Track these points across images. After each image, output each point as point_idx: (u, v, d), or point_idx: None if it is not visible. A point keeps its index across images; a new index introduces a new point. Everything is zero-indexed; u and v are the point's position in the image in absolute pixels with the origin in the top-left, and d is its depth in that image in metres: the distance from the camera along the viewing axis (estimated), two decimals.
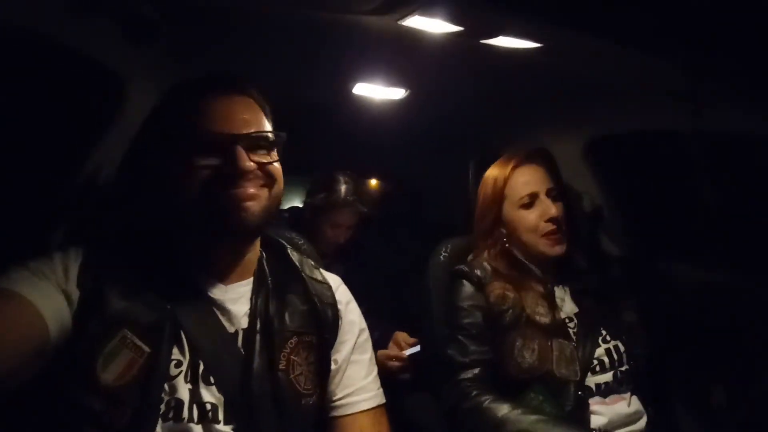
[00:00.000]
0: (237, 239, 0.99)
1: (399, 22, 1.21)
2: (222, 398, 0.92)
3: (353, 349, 1.08)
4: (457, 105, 2.05)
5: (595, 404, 1.35)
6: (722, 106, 1.48)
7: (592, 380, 1.37)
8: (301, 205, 2.47)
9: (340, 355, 1.06)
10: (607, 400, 1.37)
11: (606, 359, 1.40)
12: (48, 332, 0.82)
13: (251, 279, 1.03)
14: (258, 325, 0.98)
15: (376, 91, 1.87)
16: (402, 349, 1.82)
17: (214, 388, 0.92)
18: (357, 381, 1.06)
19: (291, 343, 1.00)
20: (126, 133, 1.51)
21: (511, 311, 1.41)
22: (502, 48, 1.34)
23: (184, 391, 0.90)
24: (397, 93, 1.89)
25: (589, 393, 1.36)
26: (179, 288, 0.95)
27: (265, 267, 1.07)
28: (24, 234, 1.27)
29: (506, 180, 1.52)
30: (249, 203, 0.92)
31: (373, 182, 3.45)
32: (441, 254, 1.71)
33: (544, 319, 1.41)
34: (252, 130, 0.95)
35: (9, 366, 0.77)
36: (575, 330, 1.43)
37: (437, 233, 1.89)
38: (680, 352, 1.61)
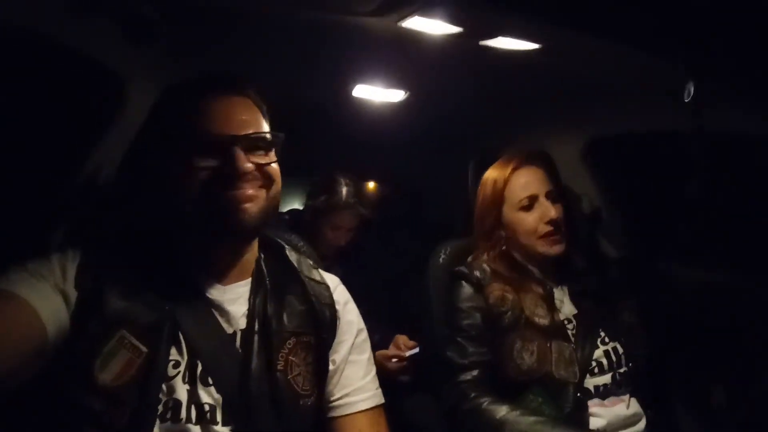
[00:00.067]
0: (235, 240, 0.99)
1: (399, 24, 1.21)
2: (220, 399, 0.91)
3: (351, 349, 1.08)
4: (457, 106, 2.05)
5: (594, 406, 1.35)
6: (722, 106, 1.48)
7: (590, 382, 1.37)
8: (301, 208, 2.47)
9: (338, 355, 1.06)
10: (606, 402, 1.37)
11: (605, 361, 1.40)
12: (46, 333, 0.82)
13: (249, 279, 1.03)
14: (256, 326, 0.98)
15: (376, 93, 1.87)
16: (402, 352, 1.83)
17: (212, 388, 0.92)
18: (355, 381, 1.06)
19: (289, 343, 1.00)
20: (126, 133, 1.51)
21: (510, 313, 1.41)
22: (502, 49, 1.34)
23: (182, 391, 0.90)
24: (397, 95, 1.89)
25: (588, 395, 1.36)
26: (177, 288, 0.95)
27: (263, 267, 1.06)
28: (23, 234, 1.27)
29: (505, 182, 1.52)
30: (247, 204, 0.92)
31: (373, 184, 3.45)
32: (440, 256, 1.71)
33: (543, 321, 1.41)
34: (250, 131, 0.94)
35: (7, 367, 0.77)
36: (574, 331, 1.42)
37: (437, 234, 1.89)
38: (680, 353, 1.61)
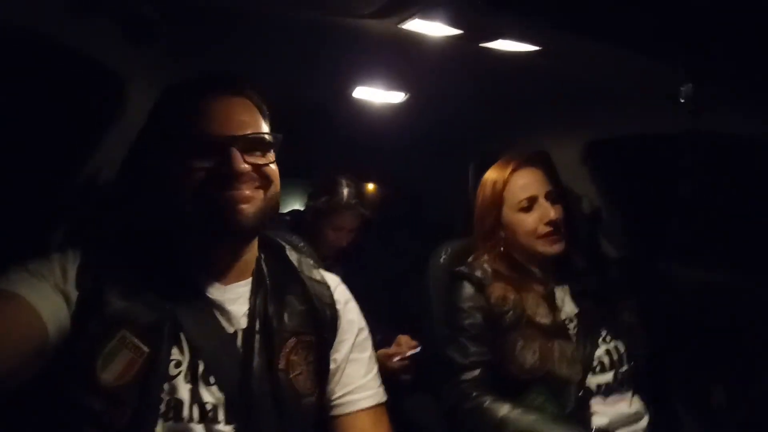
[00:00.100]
0: (234, 240, 0.99)
1: (399, 26, 1.21)
2: (222, 398, 0.91)
3: (352, 347, 1.08)
4: (457, 108, 2.05)
5: (596, 404, 1.35)
6: (722, 109, 1.48)
7: (592, 381, 1.38)
8: (302, 209, 2.46)
9: (339, 354, 1.06)
10: (607, 400, 1.37)
11: (606, 359, 1.40)
12: (46, 333, 0.82)
13: (250, 279, 1.03)
14: (257, 326, 0.98)
15: (376, 95, 1.87)
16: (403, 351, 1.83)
17: (214, 388, 0.92)
18: (356, 379, 1.06)
19: (290, 343, 1.00)
20: (126, 134, 1.51)
21: (511, 312, 1.42)
22: (502, 51, 1.34)
23: (184, 391, 0.90)
24: (397, 96, 1.89)
25: (590, 393, 1.36)
26: (178, 288, 0.95)
27: (264, 267, 1.06)
28: (24, 234, 1.27)
29: (505, 183, 1.52)
30: (244, 206, 0.92)
31: (373, 186, 3.45)
32: (441, 256, 1.71)
33: (545, 320, 1.41)
34: (247, 132, 0.94)
35: (8, 367, 0.77)
36: (575, 330, 1.43)
37: (437, 235, 1.89)
38: (680, 353, 1.61)
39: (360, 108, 1.97)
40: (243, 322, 0.98)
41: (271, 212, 0.99)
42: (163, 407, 0.88)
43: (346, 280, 1.17)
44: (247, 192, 0.93)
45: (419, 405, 1.77)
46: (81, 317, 0.86)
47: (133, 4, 1.16)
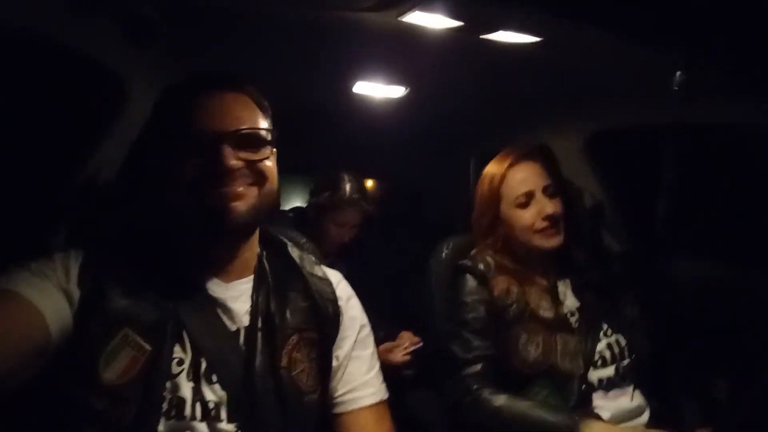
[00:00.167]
0: (230, 238, 0.98)
1: (399, 18, 1.21)
2: (225, 396, 0.91)
3: (354, 344, 1.07)
4: (457, 102, 2.05)
5: (598, 398, 1.35)
6: (723, 102, 1.48)
7: (594, 374, 1.38)
8: (303, 205, 2.47)
9: (341, 351, 1.06)
10: (609, 394, 1.37)
11: (608, 353, 1.40)
12: (49, 332, 0.82)
13: (252, 276, 1.03)
14: (259, 323, 0.98)
15: (376, 90, 1.87)
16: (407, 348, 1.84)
17: (216, 386, 0.92)
18: (359, 377, 1.06)
19: (292, 340, 1.00)
20: (126, 133, 1.51)
21: (515, 306, 1.41)
22: (502, 44, 1.34)
23: (186, 389, 0.90)
24: (397, 91, 1.89)
25: (592, 387, 1.36)
26: (180, 287, 0.95)
27: (266, 264, 1.06)
28: (25, 234, 1.27)
29: (502, 179, 1.51)
30: (235, 203, 0.91)
31: (372, 182, 3.45)
32: (443, 252, 1.71)
33: (548, 314, 1.41)
34: (239, 128, 0.93)
35: (9, 366, 0.77)
36: (577, 324, 1.43)
37: (437, 233, 1.89)
38: (682, 347, 1.61)
39: (360, 104, 1.97)
40: (245, 320, 0.98)
41: (266, 209, 0.98)
42: (165, 405, 0.88)
43: (349, 277, 1.17)
44: (240, 189, 0.92)
45: (421, 401, 1.78)
46: (83, 316, 0.86)
47: (133, 4, 1.16)
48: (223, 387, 0.92)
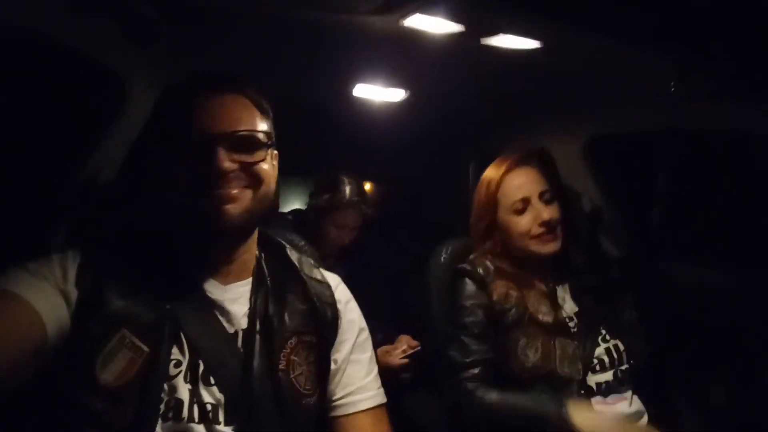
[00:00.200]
0: (225, 240, 0.97)
1: (400, 22, 1.21)
2: (222, 398, 0.91)
3: (353, 348, 1.07)
4: (457, 105, 2.05)
5: (596, 404, 1.35)
6: (723, 106, 1.48)
7: (593, 379, 1.38)
8: (303, 208, 2.46)
9: (339, 354, 1.06)
10: (608, 399, 1.37)
11: (606, 358, 1.40)
12: (46, 332, 0.81)
13: (250, 279, 1.03)
14: (257, 326, 0.98)
15: (376, 92, 1.87)
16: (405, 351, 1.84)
17: (214, 388, 0.91)
18: (357, 380, 1.05)
19: (291, 343, 0.99)
20: (126, 133, 1.51)
21: (514, 310, 1.41)
22: (502, 48, 1.34)
23: (183, 391, 0.90)
24: (397, 94, 1.89)
25: (591, 392, 1.36)
26: (178, 288, 0.95)
27: (264, 267, 1.06)
28: (24, 234, 1.27)
29: (498, 185, 1.51)
30: (228, 206, 0.90)
31: (370, 185, 3.45)
32: (442, 255, 1.71)
33: (547, 318, 1.41)
34: (234, 129, 0.92)
35: (7, 366, 0.77)
36: (575, 329, 1.43)
37: (437, 234, 1.89)
38: (680, 352, 1.61)
39: (360, 106, 1.97)
40: (243, 322, 0.98)
41: (262, 212, 0.97)
42: (163, 407, 0.87)
43: (348, 279, 1.17)
44: (234, 191, 0.91)
45: (420, 404, 1.77)
46: (81, 317, 0.86)
47: (133, 4, 1.16)
48: (221, 389, 0.91)
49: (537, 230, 1.44)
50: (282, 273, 1.07)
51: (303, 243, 1.37)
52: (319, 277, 1.11)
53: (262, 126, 0.97)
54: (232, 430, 0.91)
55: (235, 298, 0.99)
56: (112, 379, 0.84)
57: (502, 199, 1.50)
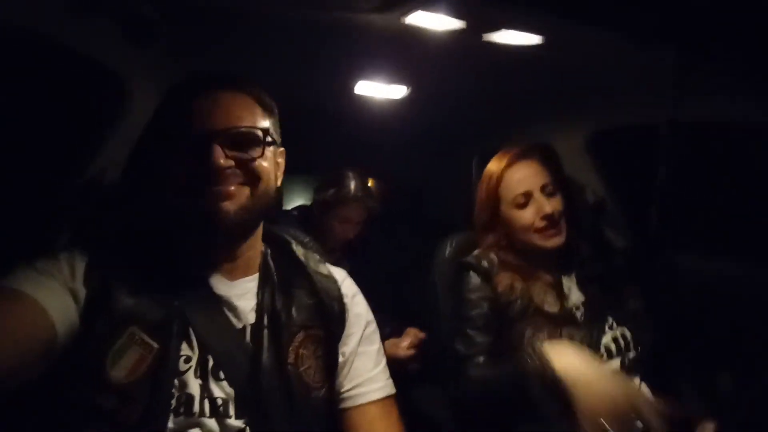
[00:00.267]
0: (226, 237, 0.97)
1: (401, 19, 1.21)
2: (232, 393, 0.91)
3: (360, 340, 1.08)
4: (459, 102, 2.06)
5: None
6: (725, 99, 1.48)
7: None
8: (307, 203, 2.47)
9: (347, 347, 1.06)
10: None
11: (613, 346, 1.40)
12: (55, 331, 0.81)
13: (257, 274, 1.03)
14: (265, 320, 0.98)
15: (378, 89, 1.87)
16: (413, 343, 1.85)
17: (224, 383, 0.92)
18: (365, 372, 1.06)
19: (298, 337, 1.00)
20: (126, 133, 1.51)
21: (519, 302, 1.41)
22: (504, 45, 1.34)
23: (194, 386, 0.90)
24: (399, 91, 1.89)
25: None
26: (186, 285, 0.95)
27: (270, 262, 1.06)
28: (28, 234, 1.27)
29: (500, 179, 1.51)
30: (224, 203, 0.90)
31: (371, 182, 3.45)
32: (447, 249, 1.71)
33: (553, 309, 1.41)
34: (230, 126, 0.92)
35: (16, 365, 0.77)
36: (582, 318, 1.43)
37: (437, 230, 1.89)
38: (686, 340, 1.61)
39: (362, 103, 1.97)
40: (251, 317, 0.98)
41: (260, 209, 0.97)
42: (174, 402, 0.88)
43: (353, 274, 1.17)
44: (231, 188, 0.91)
45: (428, 396, 1.78)
46: (90, 315, 0.86)
47: (133, 4, 1.16)
48: (231, 384, 0.92)
49: (540, 223, 1.44)
50: (288, 268, 1.07)
51: (308, 239, 1.38)
52: (325, 271, 1.11)
53: (263, 123, 0.97)
54: (243, 423, 0.91)
55: (242, 294, 0.99)
56: (123, 376, 0.85)
57: (504, 193, 1.50)
